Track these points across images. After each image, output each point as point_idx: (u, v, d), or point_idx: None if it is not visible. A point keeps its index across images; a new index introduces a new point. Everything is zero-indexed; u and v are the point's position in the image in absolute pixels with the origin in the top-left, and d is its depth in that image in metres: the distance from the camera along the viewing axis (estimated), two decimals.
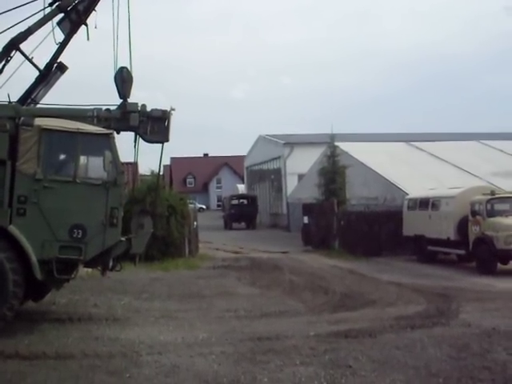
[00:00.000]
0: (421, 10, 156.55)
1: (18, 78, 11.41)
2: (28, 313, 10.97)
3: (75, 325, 10.54)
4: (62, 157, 10.69)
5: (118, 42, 11.09)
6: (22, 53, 11.25)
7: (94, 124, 10.30)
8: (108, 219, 9.91)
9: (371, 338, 9.47)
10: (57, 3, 11.30)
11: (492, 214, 17.90)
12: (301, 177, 38.71)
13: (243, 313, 11.91)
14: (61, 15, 11.41)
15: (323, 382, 7.27)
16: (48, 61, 11.57)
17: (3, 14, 11.24)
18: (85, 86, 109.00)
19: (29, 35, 11.14)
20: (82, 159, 10.32)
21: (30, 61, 11.35)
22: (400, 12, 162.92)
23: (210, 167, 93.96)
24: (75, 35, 11.60)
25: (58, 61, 11.66)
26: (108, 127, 10.30)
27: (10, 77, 11.21)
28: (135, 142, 10.72)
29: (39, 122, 9.95)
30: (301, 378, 7.41)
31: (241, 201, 46.51)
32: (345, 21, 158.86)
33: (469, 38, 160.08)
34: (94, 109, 10.51)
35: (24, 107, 10.70)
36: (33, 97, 11.52)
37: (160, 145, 10.78)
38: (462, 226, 18.81)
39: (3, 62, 11.09)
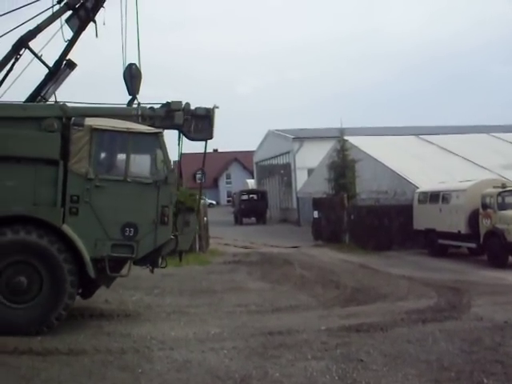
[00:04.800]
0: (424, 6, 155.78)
1: (28, 75, 11.45)
2: None
3: (87, 321, 10.60)
4: (113, 156, 10.65)
5: (127, 39, 11.12)
6: (31, 51, 11.29)
7: (138, 123, 10.25)
8: (159, 217, 9.93)
9: (383, 332, 9.46)
10: (65, 1, 11.35)
11: (503, 207, 17.82)
12: (310, 171, 38.66)
13: (254, 308, 11.94)
14: (69, 12, 11.45)
15: (335, 376, 7.27)
16: (57, 58, 11.60)
17: (12, 13, 11.32)
18: (94, 82, 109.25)
19: (38, 33, 11.17)
20: (133, 158, 10.20)
21: (40, 58, 11.40)
22: (408, 5, 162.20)
23: (220, 163, 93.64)
24: (84, 32, 11.63)
25: (67, 58, 11.69)
26: (152, 126, 10.26)
27: (19, 75, 11.27)
28: (179, 140, 10.67)
29: (90, 121, 9.90)
30: (312, 373, 7.41)
31: (251, 196, 46.58)
32: (353, 14, 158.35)
33: (476, 31, 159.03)
34: (139, 107, 10.51)
35: (70, 106, 10.48)
36: (42, 94, 11.56)
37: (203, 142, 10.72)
38: (473, 219, 18.75)
39: (13, 60, 11.14)
